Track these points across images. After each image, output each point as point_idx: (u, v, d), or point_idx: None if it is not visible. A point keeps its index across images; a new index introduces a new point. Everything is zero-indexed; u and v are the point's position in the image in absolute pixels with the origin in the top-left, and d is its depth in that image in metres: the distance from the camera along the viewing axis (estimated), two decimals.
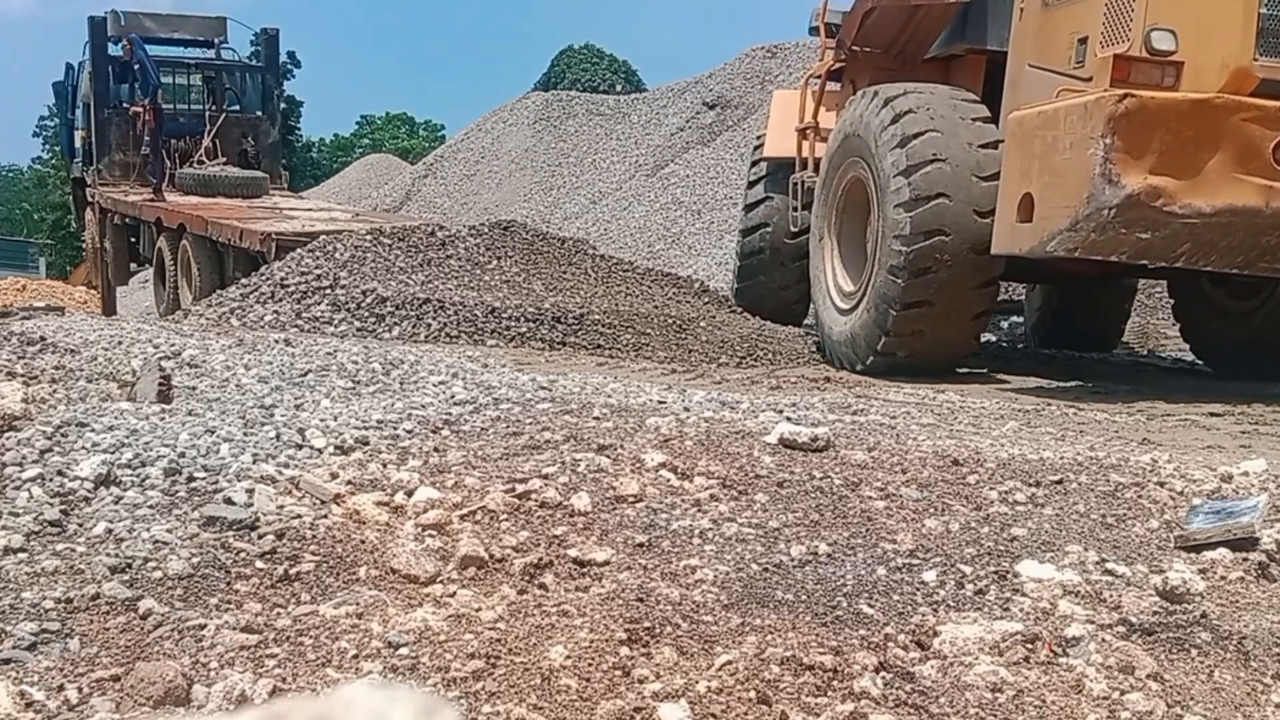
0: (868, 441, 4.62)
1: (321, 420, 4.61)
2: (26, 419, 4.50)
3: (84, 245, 21.86)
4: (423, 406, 4.97)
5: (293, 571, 3.28)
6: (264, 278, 9.88)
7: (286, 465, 4.03)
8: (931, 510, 3.89)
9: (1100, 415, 6.27)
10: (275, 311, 9.17)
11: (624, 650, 2.90)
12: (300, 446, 4.25)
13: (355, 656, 2.85)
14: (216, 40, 18.95)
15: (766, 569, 3.42)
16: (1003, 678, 2.83)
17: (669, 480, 4.03)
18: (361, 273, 9.72)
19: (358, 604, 3.11)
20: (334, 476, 3.94)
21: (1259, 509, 3.65)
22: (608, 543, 3.55)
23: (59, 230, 41.58)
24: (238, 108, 18.90)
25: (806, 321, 10.74)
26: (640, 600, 3.17)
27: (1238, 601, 3.29)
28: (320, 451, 4.22)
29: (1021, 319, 12.09)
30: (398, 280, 9.65)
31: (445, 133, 61.32)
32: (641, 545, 3.54)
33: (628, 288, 10.43)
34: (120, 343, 6.49)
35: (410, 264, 10.09)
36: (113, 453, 3.97)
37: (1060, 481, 4.14)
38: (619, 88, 42.45)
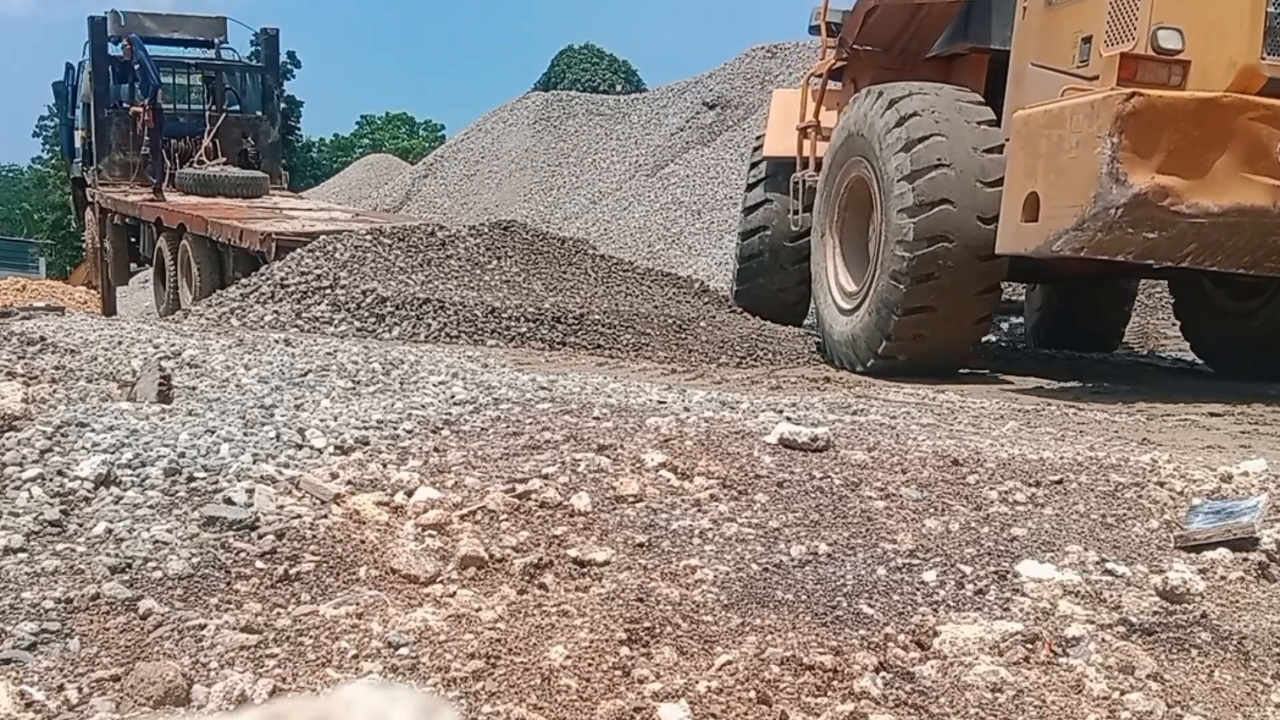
0: (868, 441, 4.62)
1: (321, 420, 4.60)
2: (26, 419, 4.50)
3: (84, 245, 21.85)
4: (423, 406, 4.97)
5: (293, 571, 3.28)
6: (264, 278, 9.88)
7: (286, 465, 4.03)
8: (931, 510, 3.89)
9: (1100, 415, 6.27)
10: (275, 311, 9.17)
11: (624, 650, 2.90)
12: (300, 446, 4.25)
13: (355, 656, 2.85)
14: (216, 40, 18.95)
15: (766, 569, 3.42)
16: (1003, 678, 2.83)
17: (669, 480, 4.03)
18: (361, 273, 9.72)
19: (358, 604, 3.11)
20: (334, 476, 3.94)
21: (1259, 509, 3.65)
22: (608, 543, 3.55)
23: (59, 230, 41.58)
24: (238, 108, 18.90)
25: (807, 321, 10.74)
26: (640, 600, 3.17)
27: (1238, 601, 3.29)
28: (320, 451, 4.22)
29: (1021, 319, 12.08)
30: (398, 280, 9.64)
31: (445, 133, 61.40)
32: (641, 545, 3.54)
33: (628, 288, 10.42)
34: (120, 343, 6.49)
35: (410, 264, 10.08)
36: (113, 453, 3.97)
37: (1060, 481, 4.14)
38: (619, 88, 42.44)
